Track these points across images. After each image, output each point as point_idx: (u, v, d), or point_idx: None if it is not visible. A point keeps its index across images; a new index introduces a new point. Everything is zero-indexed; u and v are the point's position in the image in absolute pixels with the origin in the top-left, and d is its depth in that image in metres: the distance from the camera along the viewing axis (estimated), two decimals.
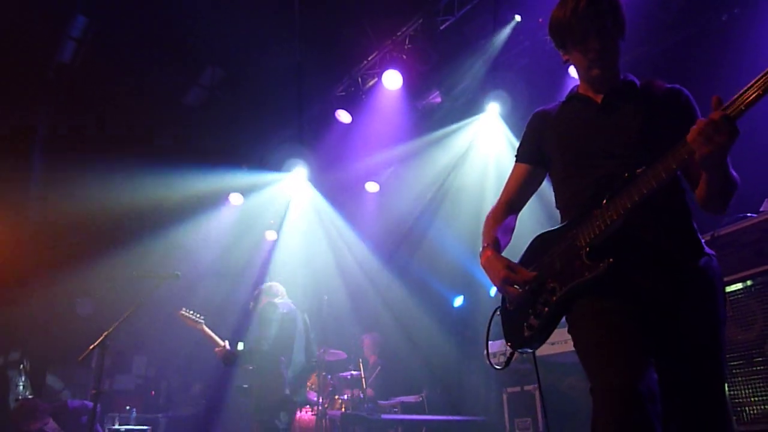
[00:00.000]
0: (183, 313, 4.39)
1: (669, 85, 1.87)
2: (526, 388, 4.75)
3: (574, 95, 1.99)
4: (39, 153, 7.11)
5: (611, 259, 1.66)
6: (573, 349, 3.42)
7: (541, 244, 1.93)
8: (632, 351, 1.60)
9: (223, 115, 7.22)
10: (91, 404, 5.89)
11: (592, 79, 1.91)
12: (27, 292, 7.29)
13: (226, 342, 4.34)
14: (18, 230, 6.94)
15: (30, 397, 5.46)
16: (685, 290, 1.69)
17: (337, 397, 5.83)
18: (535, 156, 2.03)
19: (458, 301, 6.99)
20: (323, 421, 5.51)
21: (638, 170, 1.65)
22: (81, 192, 7.13)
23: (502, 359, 4.73)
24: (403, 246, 7.22)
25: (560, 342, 4.23)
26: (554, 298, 1.78)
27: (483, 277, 5.27)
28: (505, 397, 4.87)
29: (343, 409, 5.54)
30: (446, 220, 6.75)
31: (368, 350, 6.90)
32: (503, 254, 1.94)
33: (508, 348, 1.96)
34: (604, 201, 1.71)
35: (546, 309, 1.80)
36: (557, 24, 1.89)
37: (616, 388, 1.54)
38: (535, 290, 1.84)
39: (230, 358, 4.23)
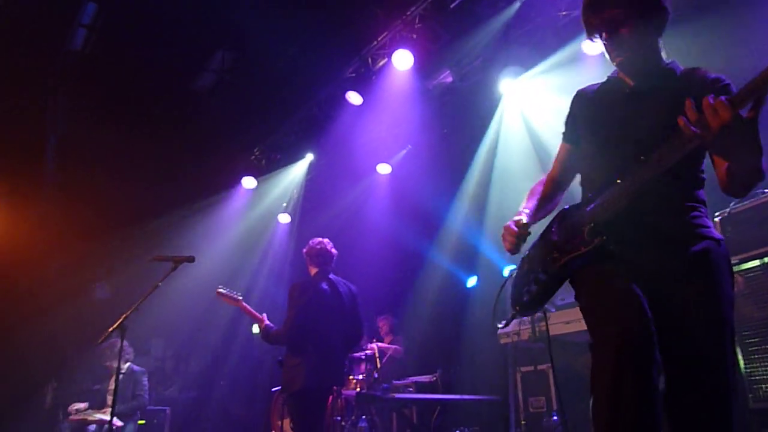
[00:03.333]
0: (220, 291, 4.40)
1: (712, 75, 1.81)
2: (540, 367, 4.75)
3: (611, 77, 2.01)
4: (52, 139, 7.17)
5: (604, 237, 1.74)
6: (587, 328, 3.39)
7: (560, 218, 2.00)
8: (628, 303, 1.65)
9: (233, 99, 7.22)
10: (139, 368, 6.08)
11: (619, 66, 1.93)
12: (46, 278, 7.40)
13: (265, 315, 4.33)
14: (34, 217, 7.02)
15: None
16: (683, 272, 1.71)
17: (351, 377, 5.87)
18: (574, 136, 2.09)
19: (471, 282, 6.98)
20: (338, 401, 5.56)
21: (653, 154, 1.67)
22: (95, 177, 7.20)
23: (515, 338, 4.73)
24: (415, 227, 7.20)
25: (575, 321, 4.21)
26: (554, 267, 1.87)
27: (496, 258, 5.24)
28: (518, 376, 4.88)
29: (357, 389, 5.58)
30: (459, 201, 6.72)
31: (383, 331, 6.94)
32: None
33: (514, 311, 2.08)
34: (617, 181, 1.76)
35: (544, 277, 1.90)
36: (581, 16, 1.95)
37: (612, 336, 1.61)
38: (539, 259, 1.95)
39: (271, 334, 4.23)
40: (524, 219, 2.01)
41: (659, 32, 1.88)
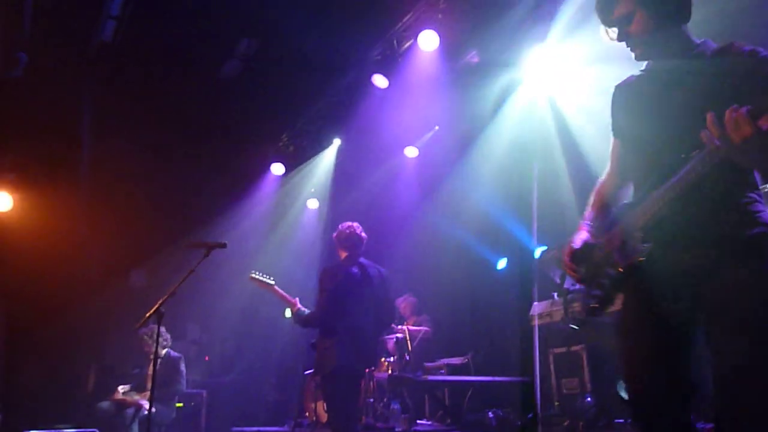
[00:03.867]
0: (253, 276, 4.47)
1: (747, 48, 1.71)
2: (573, 348, 4.72)
3: (644, 69, 1.95)
4: (86, 130, 7.32)
5: (651, 244, 1.74)
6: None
7: (617, 215, 1.94)
8: (648, 369, 1.74)
9: (259, 86, 7.25)
10: (177, 354, 6.26)
11: (638, 60, 1.89)
12: (85, 266, 7.61)
13: (297, 299, 4.39)
14: (71, 206, 7.20)
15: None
16: (736, 258, 1.65)
17: (383, 359, 5.93)
18: (619, 131, 2.04)
19: (501, 264, 6.94)
20: (370, 383, 5.63)
21: (693, 153, 1.61)
22: (128, 167, 7.34)
23: (548, 319, 4.71)
24: (444, 209, 7.17)
25: None
26: (616, 271, 1.85)
27: (526, 239, 5.18)
28: (551, 357, 4.85)
29: (389, 372, 5.63)
30: (488, 183, 6.65)
31: (405, 312, 6.94)
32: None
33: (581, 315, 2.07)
34: (659, 184, 1.73)
35: (607, 282, 1.87)
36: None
37: (631, 399, 1.77)
38: (600, 262, 1.91)
39: (303, 318, 4.30)
40: (579, 242, 1.99)
41: (677, 20, 1.81)
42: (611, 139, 2.08)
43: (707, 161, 1.56)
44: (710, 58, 1.77)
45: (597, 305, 1.91)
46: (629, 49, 1.87)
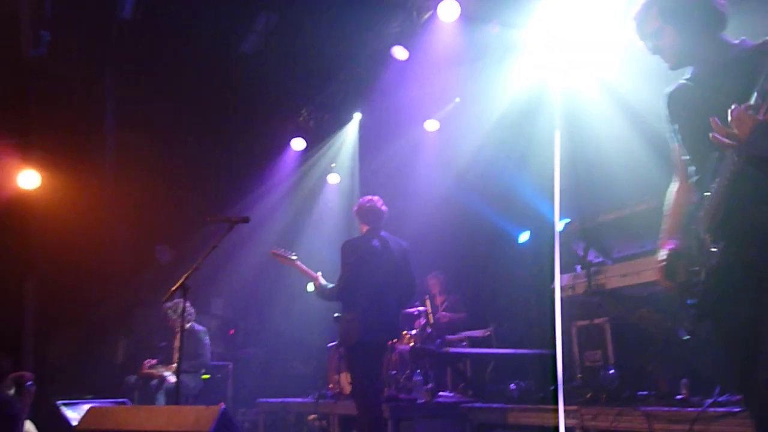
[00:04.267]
0: (275, 251, 4.52)
1: None
2: (596, 321, 4.69)
3: (690, 73, 2.00)
4: (110, 107, 7.39)
5: (721, 246, 1.77)
6: (645, 280, 3.36)
7: (689, 221, 1.98)
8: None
9: (278, 61, 7.23)
10: (201, 327, 6.40)
11: (673, 68, 1.98)
12: (112, 243, 7.76)
13: (319, 274, 4.43)
14: (97, 184, 7.31)
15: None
16: None
17: (405, 332, 5.98)
18: (676, 137, 2.07)
19: (524, 237, 6.90)
20: (393, 355, 5.69)
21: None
22: (151, 144, 7.42)
23: (570, 292, 4.69)
24: (465, 183, 7.12)
25: (632, 273, 4.11)
26: (699, 277, 1.88)
27: (549, 212, 5.14)
28: (574, 330, 4.83)
29: (411, 344, 5.68)
30: (510, 154, 6.58)
31: (434, 290, 6.97)
32: None
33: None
34: (710, 185, 1.78)
35: (697, 289, 1.89)
36: None
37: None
38: (688, 272, 1.94)
39: (325, 291, 4.34)
40: (664, 256, 2.01)
41: (709, 30, 1.86)
42: (673, 145, 2.10)
43: (735, 160, 1.65)
44: (746, 58, 1.79)
45: (699, 314, 1.92)
46: (663, 60, 1.96)
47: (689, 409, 3.06)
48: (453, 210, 7.32)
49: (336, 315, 4.45)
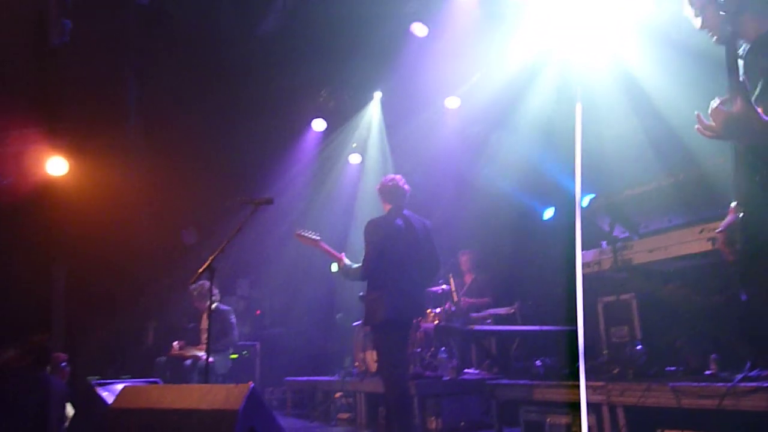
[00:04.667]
0: (299, 233, 4.55)
1: None
2: (623, 297, 4.64)
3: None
4: (133, 94, 7.45)
5: (742, 212, 1.89)
6: (673, 255, 3.32)
7: None
8: None
9: (297, 42, 7.20)
10: (226, 306, 6.52)
11: (718, 43, 2.02)
12: (138, 227, 7.89)
13: (343, 254, 4.47)
14: (122, 170, 7.41)
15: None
16: None
17: (429, 310, 6.00)
18: None
19: (548, 213, 6.84)
20: (417, 333, 5.72)
21: None
22: (173, 127, 7.48)
23: (596, 268, 4.65)
24: (488, 160, 7.06)
25: (659, 248, 4.05)
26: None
27: (574, 188, 5.07)
28: (600, 306, 4.79)
29: (435, 322, 5.70)
30: (533, 130, 6.49)
31: (465, 267, 6.96)
32: None
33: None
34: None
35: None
36: None
37: None
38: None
39: (350, 271, 4.37)
40: (724, 225, 2.04)
41: (749, 7, 1.92)
42: None
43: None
44: None
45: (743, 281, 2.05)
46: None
47: (719, 384, 3.02)
48: (476, 188, 7.28)
49: (361, 294, 4.48)
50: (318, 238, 4.50)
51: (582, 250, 4.94)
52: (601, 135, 5.37)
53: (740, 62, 1.91)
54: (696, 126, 1.77)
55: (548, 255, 6.49)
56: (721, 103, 1.73)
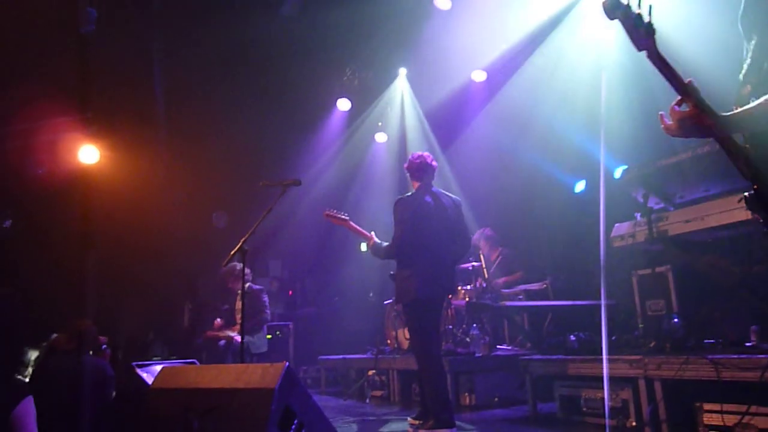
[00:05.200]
0: (328, 213, 4.58)
1: None
2: (658, 269, 4.56)
3: None
4: (159, 79, 7.52)
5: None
6: (711, 225, 3.27)
7: None
8: None
9: (320, 21, 7.16)
10: (258, 286, 6.65)
11: None
12: (169, 212, 8.03)
13: (373, 233, 4.48)
14: (150, 154, 7.52)
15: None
16: None
17: (460, 287, 6.00)
18: None
19: (580, 186, 6.72)
20: (448, 310, 5.73)
21: None
22: (201, 113, 7.54)
23: (630, 240, 4.57)
24: (516, 132, 6.95)
25: (695, 219, 3.95)
26: None
27: (607, 159, 4.97)
28: (635, 279, 4.72)
29: (467, 299, 5.70)
30: (562, 101, 6.35)
31: (484, 249, 6.92)
32: None
33: None
34: None
35: None
36: None
37: None
38: None
39: (380, 250, 4.39)
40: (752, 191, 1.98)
41: None
42: None
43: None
44: None
45: None
46: None
47: (760, 356, 2.95)
48: (506, 161, 7.19)
49: (391, 273, 4.50)
50: (347, 217, 4.52)
51: (615, 222, 4.89)
52: (632, 103, 5.23)
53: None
54: (662, 126, 1.88)
55: (580, 228, 6.41)
56: (676, 104, 1.83)
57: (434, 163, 4.44)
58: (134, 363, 4.03)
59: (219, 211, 8.92)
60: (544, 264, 6.75)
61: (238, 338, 6.05)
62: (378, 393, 6.31)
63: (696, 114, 1.79)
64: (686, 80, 1.81)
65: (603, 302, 5.48)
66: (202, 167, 7.93)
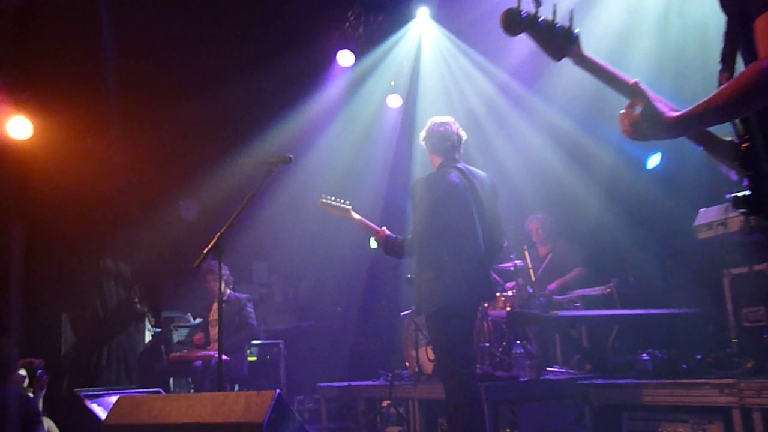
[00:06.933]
0: (323, 201, 4.56)
1: None
2: (757, 267, 4.54)
3: None
4: (109, 39, 7.49)
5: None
6: None
7: None
8: None
9: None
10: (243, 294, 6.69)
11: None
12: (122, 200, 8.07)
13: (384, 228, 4.47)
14: (101, 132, 7.53)
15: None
16: None
17: (498, 294, 5.98)
18: None
19: (653, 161, 6.69)
20: (484, 323, 5.72)
21: None
22: (165, 78, 7.53)
23: (721, 230, 4.54)
24: (572, 92, 6.88)
25: None
26: None
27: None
28: (726, 281, 4.70)
29: (507, 308, 5.69)
30: (630, 52, 6.29)
31: (537, 237, 6.89)
32: None
33: None
34: None
35: None
36: None
37: None
38: None
39: (394, 246, 4.38)
40: None
41: None
42: None
43: None
44: None
45: None
46: None
47: None
48: (557, 131, 7.14)
49: (408, 276, 4.49)
50: (349, 206, 4.51)
51: (699, 207, 4.86)
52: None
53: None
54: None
55: (654, 215, 6.36)
56: (628, 107, 2.05)
57: (461, 132, 4.42)
58: (82, 393, 4.08)
59: (187, 199, 8.94)
60: (607, 261, 6.71)
61: (215, 359, 6.10)
62: (395, 430, 6.32)
63: (648, 115, 2.01)
64: (631, 82, 2.04)
65: (682, 311, 5.46)
66: (165, 145, 7.93)
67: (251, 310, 6.56)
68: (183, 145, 8.04)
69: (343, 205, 4.54)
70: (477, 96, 7.80)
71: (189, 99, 7.62)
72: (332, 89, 8.32)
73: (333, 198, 4.57)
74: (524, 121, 7.44)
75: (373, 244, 5.57)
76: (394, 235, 4.43)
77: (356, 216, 4.53)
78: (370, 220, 4.61)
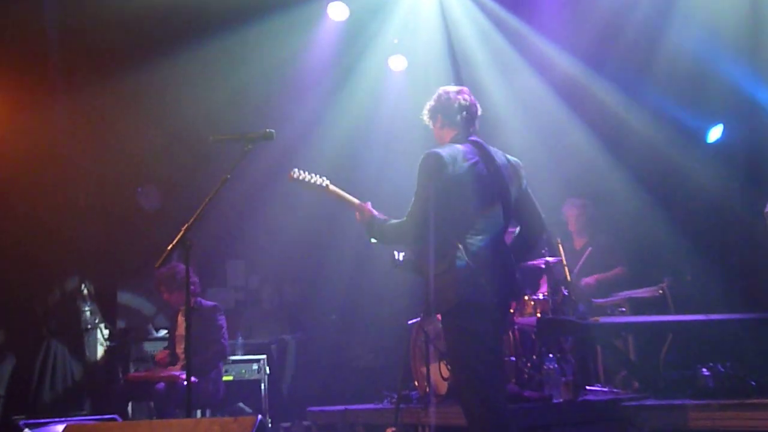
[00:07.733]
0: (294, 175, 4.52)
1: None
2: None
3: None
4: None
5: None
6: None
7: None
8: None
9: None
10: (210, 302, 6.69)
11: None
12: (70, 188, 8.07)
13: (369, 203, 4.45)
14: (46, 111, 7.53)
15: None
16: None
17: (526, 297, 5.97)
18: None
19: (715, 134, 6.70)
20: (511, 332, 5.73)
21: None
22: (118, 49, 7.53)
23: None
24: (623, 53, 6.90)
25: None
26: None
27: (758, 91, 5.01)
28: None
29: (538, 314, 5.69)
30: (693, 13, 6.29)
31: (575, 226, 6.88)
32: None
33: None
34: None
35: None
36: None
37: None
38: None
39: (384, 231, 4.38)
40: None
41: None
42: None
43: None
44: None
45: None
46: None
47: None
48: (597, 99, 7.15)
49: (397, 257, 4.44)
50: (324, 181, 4.47)
51: None
52: None
53: None
54: None
55: (716, 198, 6.36)
56: None
57: (475, 101, 4.41)
58: (21, 421, 4.07)
59: (147, 184, 8.94)
60: (659, 257, 6.72)
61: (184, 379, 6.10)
62: None
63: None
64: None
65: (750, 316, 5.46)
66: (120, 119, 7.92)
67: (222, 323, 6.51)
68: (140, 122, 8.01)
69: (318, 180, 4.51)
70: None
71: (145, 68, 7.61)
72: (322, 49, 8.30)
73: (305, 172, 4.54)
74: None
75: (373, 239, 5.55)
76: (384, 217, 4.39)
77: (334, 190, 4.49)
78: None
